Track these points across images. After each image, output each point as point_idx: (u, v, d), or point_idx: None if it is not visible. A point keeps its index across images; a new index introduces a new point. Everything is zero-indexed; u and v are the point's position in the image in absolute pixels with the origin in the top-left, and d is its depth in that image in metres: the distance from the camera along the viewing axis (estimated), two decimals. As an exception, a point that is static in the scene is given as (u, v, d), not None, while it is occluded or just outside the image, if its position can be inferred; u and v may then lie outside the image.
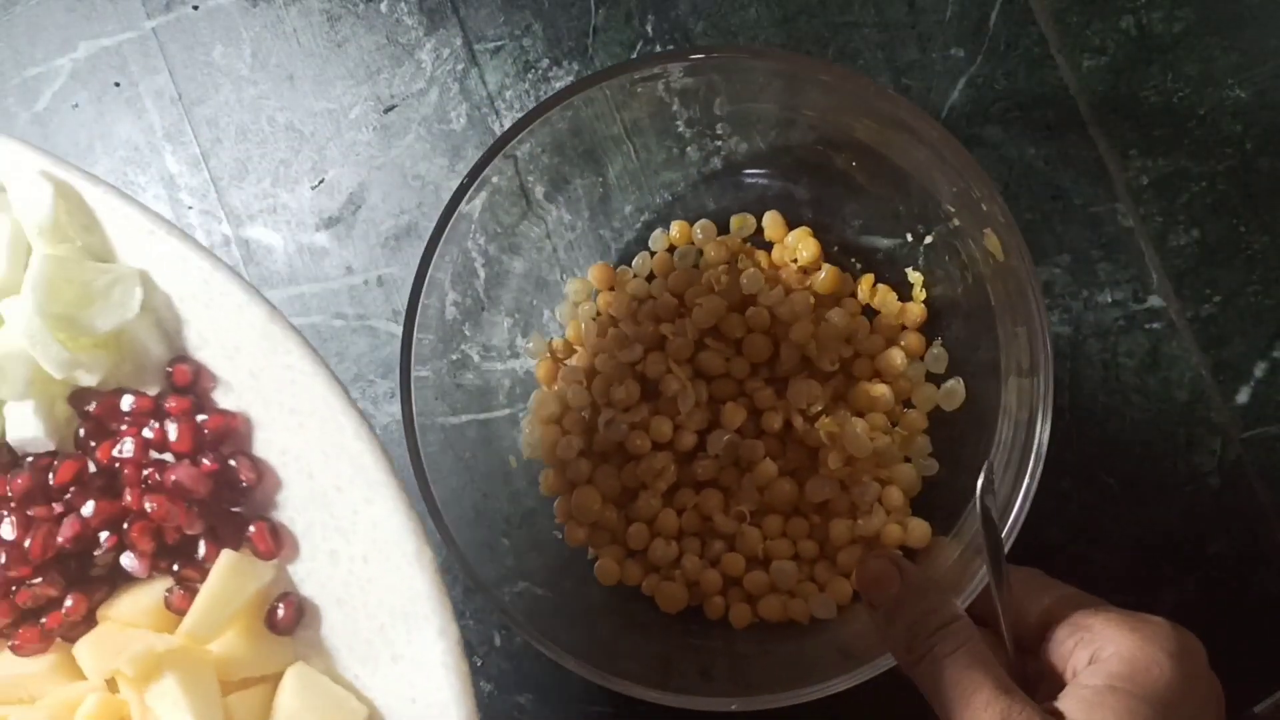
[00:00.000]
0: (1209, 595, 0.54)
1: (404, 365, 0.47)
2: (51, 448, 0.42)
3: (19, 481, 0.41)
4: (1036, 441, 0.45)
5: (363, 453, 0.39)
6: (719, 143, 0.55)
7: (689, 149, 0.55)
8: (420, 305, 0.48)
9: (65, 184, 0.41)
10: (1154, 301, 0.55)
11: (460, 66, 0.58)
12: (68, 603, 0.41)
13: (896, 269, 0.54)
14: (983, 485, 0.42)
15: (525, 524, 0.54)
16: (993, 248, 0.46)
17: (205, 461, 0.41)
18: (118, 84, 0.59)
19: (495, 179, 0.56)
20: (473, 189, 0.48)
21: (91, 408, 0.42)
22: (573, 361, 0.55)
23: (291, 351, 0.40)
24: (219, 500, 0.42)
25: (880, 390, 0.52)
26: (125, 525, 0.41)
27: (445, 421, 0.53)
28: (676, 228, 0.55)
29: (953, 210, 0.49)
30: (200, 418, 0.42)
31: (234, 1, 0.59)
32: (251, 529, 0.41)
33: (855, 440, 0.50)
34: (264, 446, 0.42)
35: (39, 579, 0.41)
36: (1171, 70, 0.55)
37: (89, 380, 0.41)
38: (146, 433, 0.42)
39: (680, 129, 0.54)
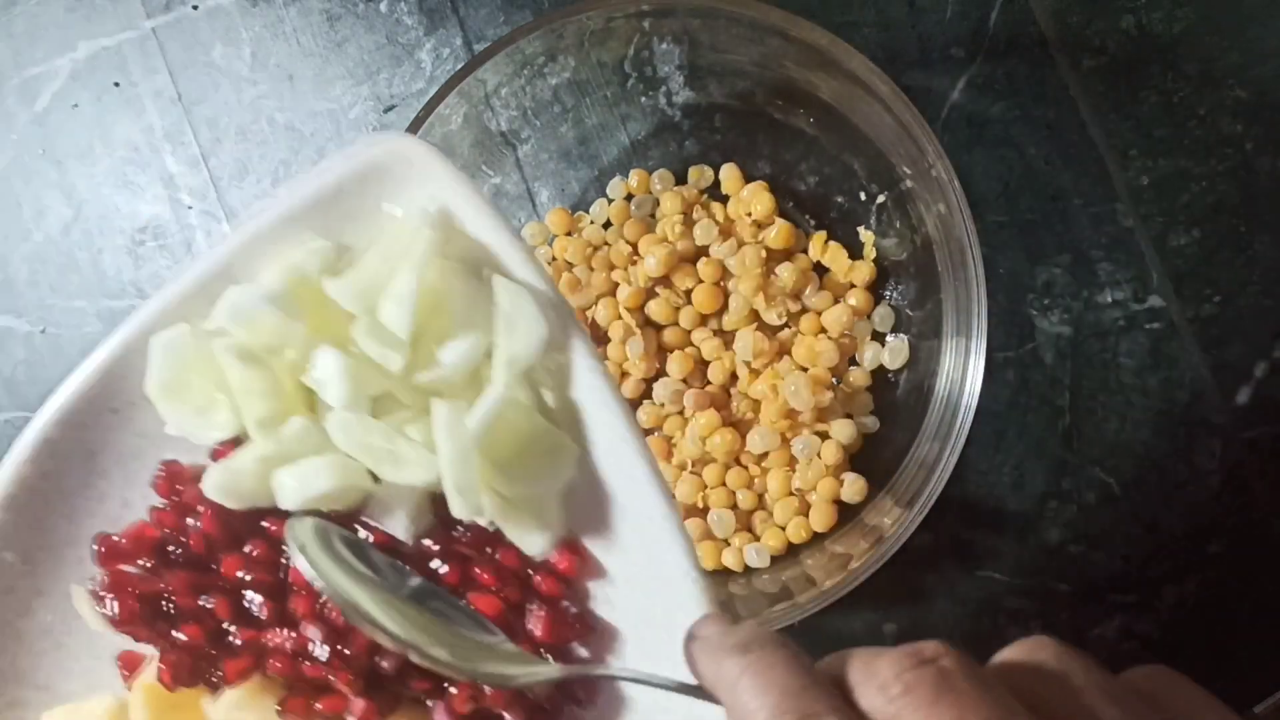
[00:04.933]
0: (1209, 595, 0.54)
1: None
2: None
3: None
4: (965, 399, 0.47)
5: None
6: (682, 93, 0.55)
7: (653, 97, 0.55)
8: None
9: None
10: (1154, 301, 0.55)
11: (460, 66, 0.57)
12: (357, 705, 0.34)
13: (849, 227, 0.55)
14: None
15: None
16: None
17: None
18: (117, 84, 0.59)
19: (498, 180, 0.56)
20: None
21: (464, 538, 0.36)
22: None
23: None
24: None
25: (825, 346, 0.52)
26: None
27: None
28: (635, 176, 0.56)
29: (906, 172, 0.50)
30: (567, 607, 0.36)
31: (234, 1, 0.58)
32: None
33: (797, 394, 0.51)
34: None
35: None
36: (1172, 70, 0.55)
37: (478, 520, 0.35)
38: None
39: (646, 76, 0.55)
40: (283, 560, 0.35)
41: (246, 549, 0.35)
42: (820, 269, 0.55)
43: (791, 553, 0.53)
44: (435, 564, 0.35)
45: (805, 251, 0.55)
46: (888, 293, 0.55)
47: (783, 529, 0.52)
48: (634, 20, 0.50)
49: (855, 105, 0.50)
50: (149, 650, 0.36)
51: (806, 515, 0.52)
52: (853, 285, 0.54)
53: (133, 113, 0.59)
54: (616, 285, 0.54)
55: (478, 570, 0.35)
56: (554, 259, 0.55)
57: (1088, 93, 0.55)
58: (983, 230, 0.55)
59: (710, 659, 0.26)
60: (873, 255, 0.54)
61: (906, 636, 0.55)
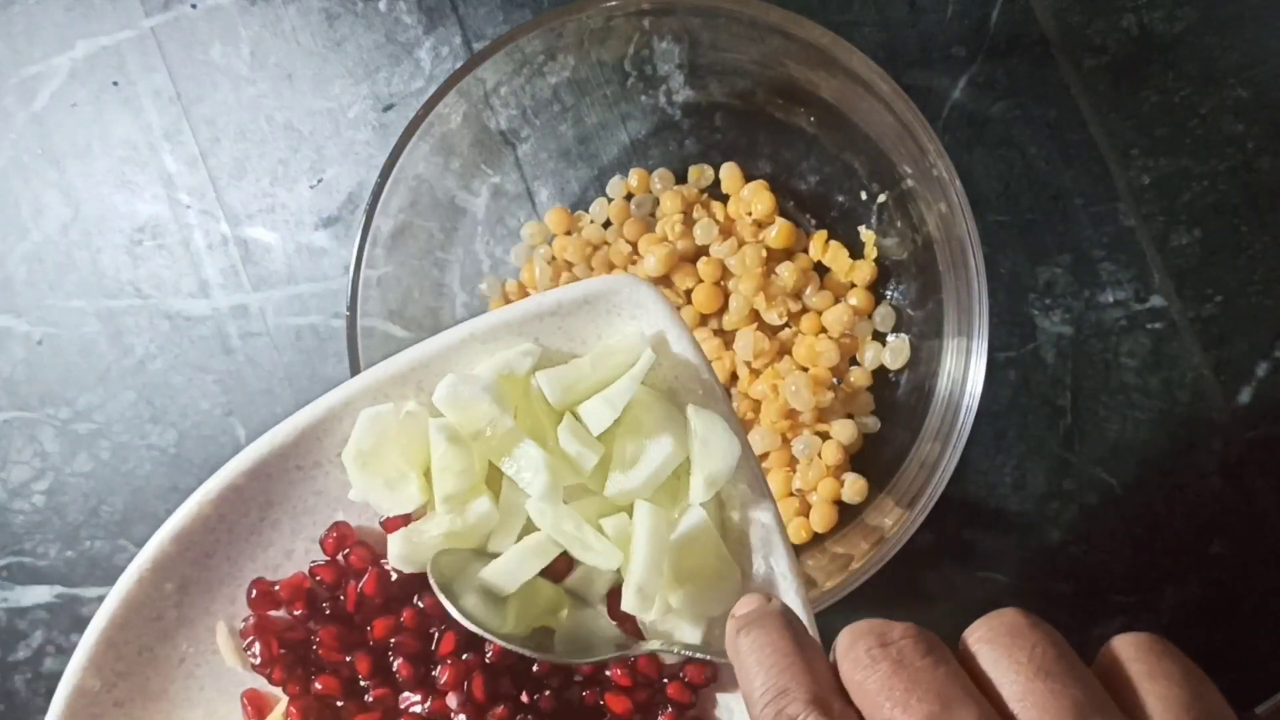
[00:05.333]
0: (1210, 595, 0.54)
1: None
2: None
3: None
4: (966, 400, 0.47)
5: None
6: (682, 92, 0.55)
7: (653, 96, 0.55)
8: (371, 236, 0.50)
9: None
10: (1155, 301, 0.55)
11: (459, 65, 0.57)
12: None
13: (849, 226, 0.55)
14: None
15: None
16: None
17: None
18: (116, 83, 0.59)
19: (498, 179, 0.56)
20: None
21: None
22: None
23: None
24: None
25: (826, 346, 0.52)
26: None
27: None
28: (635, 175, 0.56)
29: (907, 171, 0.50)
30: None
31: (232, 0, 0.58)
32: None
33: (797, 394, 0.51)
34: None
35: None
36: (1172, 70, 0.55)
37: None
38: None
39: (646, 75, 0.54)
40: (432, 631, 0.38)
41: (402, 615, 0.37)
42: (821, 268, 0.55)
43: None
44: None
45: (806, 251, 0.55)
46: (889, 292, 0.54)
47: (783, 528, 0.52)
48: (634, 19, 0.50)
49: (856, 104, 0.50)
50: (276, 692, 0.38)
51: (807, 516, 0.52)
52: (853, 285, 0.54)
53: (131, 112, 0.59)
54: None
55: (617, 670, 0.37)
56: (554, 259, 0.55)
57: (1089, 92, 0.55)
58: (984, 230, 0.55)
59: (729, 638, 0.29)
60: (874, 255, 0.54)
61: (907, 637, 0.55)
